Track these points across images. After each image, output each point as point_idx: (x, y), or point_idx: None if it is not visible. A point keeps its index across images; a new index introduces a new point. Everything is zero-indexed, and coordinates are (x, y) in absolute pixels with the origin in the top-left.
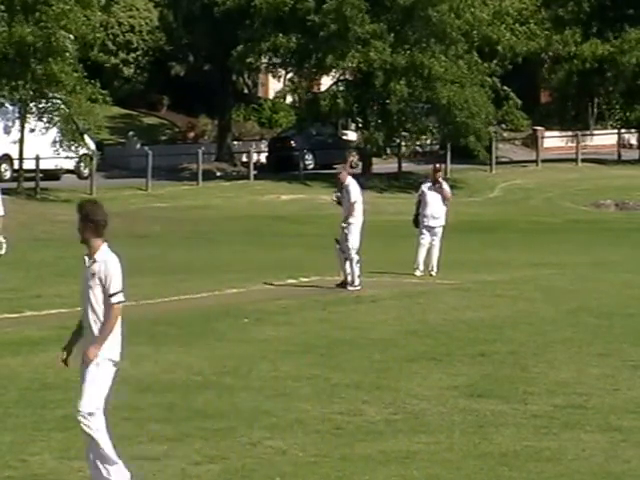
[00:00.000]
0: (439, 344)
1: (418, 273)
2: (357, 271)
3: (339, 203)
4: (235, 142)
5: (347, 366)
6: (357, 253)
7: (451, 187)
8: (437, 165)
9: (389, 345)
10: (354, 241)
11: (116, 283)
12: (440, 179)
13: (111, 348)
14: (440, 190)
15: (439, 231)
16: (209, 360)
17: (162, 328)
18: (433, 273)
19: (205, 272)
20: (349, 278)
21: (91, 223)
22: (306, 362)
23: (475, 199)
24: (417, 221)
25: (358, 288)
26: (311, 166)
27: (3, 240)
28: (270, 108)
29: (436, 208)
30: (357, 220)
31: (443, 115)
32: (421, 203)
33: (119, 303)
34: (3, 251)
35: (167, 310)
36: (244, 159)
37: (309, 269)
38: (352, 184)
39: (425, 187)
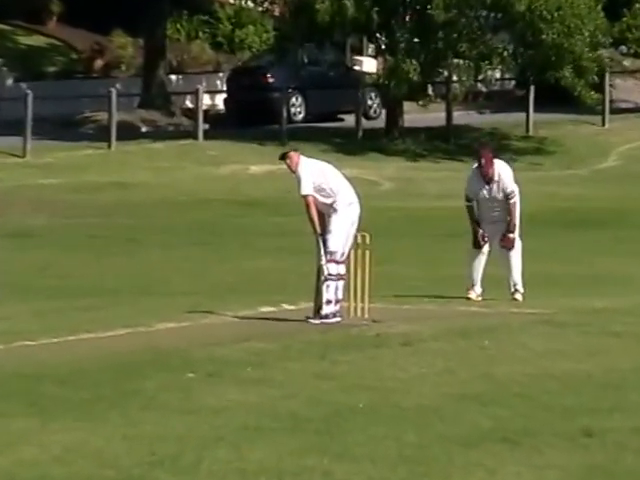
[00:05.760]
0: (516, 416)
1: (473, 295)
2: (330, 294)
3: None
4: (173, 76)
5: (360, 452)
6: (336, 263)
7: (537, 151)
8: (483, 150)
9: (432, 418)
10: (333, 243)
11: None
12: (493, 171)
13: None
14: (497, 189)
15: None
16: (129, 442)
17: (51, 389)
18: (518, 296)
19: (124, 294)
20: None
21: None
22: (293, 446)
23: (576, 172)
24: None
25: (328, 322)
26: (300, 116)
27: None
28: (231, 19)
29: (494, 209)
30: (337, 215)
31: (521, 31)
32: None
33: None
34: None
35: (60, 358)
36: (188, 104)
37: (295, 290)
38: (302, 170)
39: (474, 178)
